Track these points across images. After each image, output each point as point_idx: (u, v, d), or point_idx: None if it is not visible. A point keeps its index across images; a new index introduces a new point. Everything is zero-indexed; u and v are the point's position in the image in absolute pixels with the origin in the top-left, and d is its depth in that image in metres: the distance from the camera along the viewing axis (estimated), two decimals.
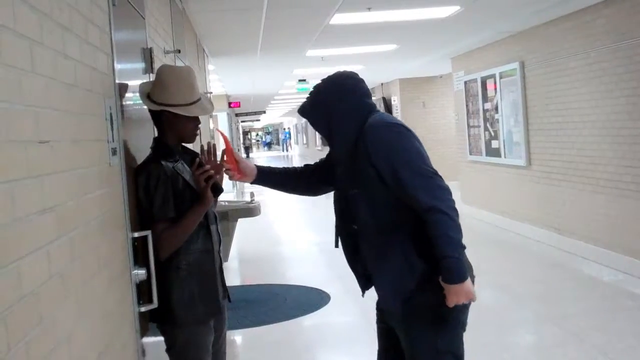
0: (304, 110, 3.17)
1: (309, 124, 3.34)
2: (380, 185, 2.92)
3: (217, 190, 3.11)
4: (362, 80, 3.17)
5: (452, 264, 2.79)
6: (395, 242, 2.93)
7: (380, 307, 3.20)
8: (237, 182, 3.34)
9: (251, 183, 3.36)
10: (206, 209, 3.10)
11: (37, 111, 1.88)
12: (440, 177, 2.91)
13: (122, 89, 3.05)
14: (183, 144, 3.30)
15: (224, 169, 3.27)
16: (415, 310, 2.92)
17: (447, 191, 2.86)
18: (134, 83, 3.46)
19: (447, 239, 2.80)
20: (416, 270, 2.91)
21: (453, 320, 2.97)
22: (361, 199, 3.00)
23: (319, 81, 3.18)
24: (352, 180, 3.01)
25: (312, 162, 3.46)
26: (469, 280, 2.85)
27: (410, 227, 2.92)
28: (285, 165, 3.53)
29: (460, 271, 2.81)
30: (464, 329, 3.03)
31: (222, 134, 3.41)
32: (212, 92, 10.65)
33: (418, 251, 2.91)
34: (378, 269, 3.05)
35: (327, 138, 3.14)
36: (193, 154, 3.34)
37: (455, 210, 2.85)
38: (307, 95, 3.20)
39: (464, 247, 2.85)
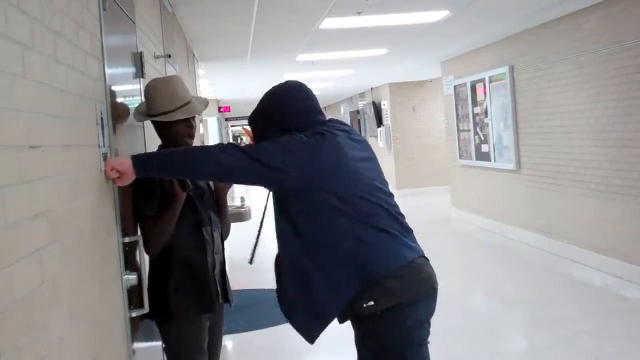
0: (250, 120, 3.13)
1: None
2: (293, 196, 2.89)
3: (184, 186, 3.20)
4: (306, 97, 3.05)
5: (152, 159, 2.95)
6: (309, 264, 2.90)
7: None
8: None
9: None
10: (179, 204, 3.19)
11: (29, 116, 1.87)
12: (262, 163, 2.80)
13: (114, 94, 3.06)
14: None
15: None
16: (364, 329, 2.85)
17: (235, 158, 2.80)
18: (125, 88, 3.47)
19: (184, 158, 2.90)
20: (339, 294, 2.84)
21: (404, 341, 2.83)
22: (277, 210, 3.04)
23: (269, 89, 3.10)
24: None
25: None
26: (131, 169, 2.80)
27: (330, 248, 2.84)
28: None
29: (144, 162, 2.87)
30: (421, 346, 2.85)
31: (247, 132, 3.43)
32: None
33: (342, 272, 2.83)
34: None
35: None
36: None
37: (210, 154, 2.87)
38: (257, 104, 3.12)
39: (169, 171, 2.93)
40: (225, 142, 20.43)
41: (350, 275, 2.80)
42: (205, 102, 3.50)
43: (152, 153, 2.99)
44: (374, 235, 2.83)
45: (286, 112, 2.99)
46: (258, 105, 3.08)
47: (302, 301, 2.95)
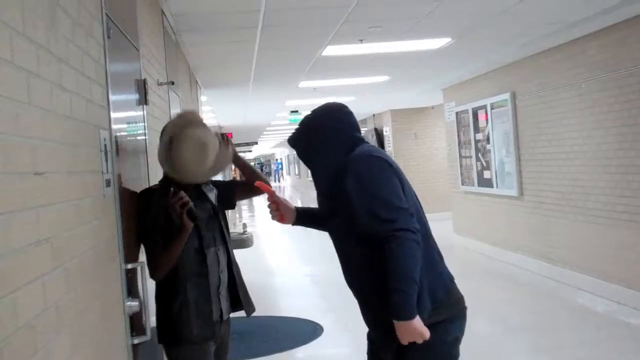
0: (293, 141, 3.22)
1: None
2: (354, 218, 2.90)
3: (193, 216, 3.19)
4: (350, 113, 3.17)
5: (399, 298, 2.73)
6: (369, 275, 2.92)
7: (371, 338, 3.19)
8: (280, 223, 3.47)
9: (292, 224, 3.42)
10: (187, 234, 3.21)
11: (34, 143, 1.88)
12: (411, 213, 2.85)
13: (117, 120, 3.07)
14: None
15: (269, 210, 3.37)
16: (407, 346, 2.87)
17: (411, 222, 2.80)
18: (129, 114, 3.48)
19: (399, 270, 2.74)
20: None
21: (443, 356, 2.95)
22: (341, 229, 3.04)
23: (308, 112, 3.20)
24: (333, 210, 3.04)
25: None
26: (417, 319, 2.75)
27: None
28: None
29: (407, 307, 2.73)
30: None
31: (262, 186, 3.46)
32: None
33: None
34: (359, 300, 3.08)
35: (311, 169, 3.17)
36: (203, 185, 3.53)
37: (416, 242, 2.78)
38: (297, 126, 3.23)
39: (416, 282, 2.74)
40: (227, 169, 20.25)
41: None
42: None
43: (401, 294, 2.73)
44: (437, 254, 3.05)
45: (343, 125, 3.10)
46: (307, 121, 3.17)
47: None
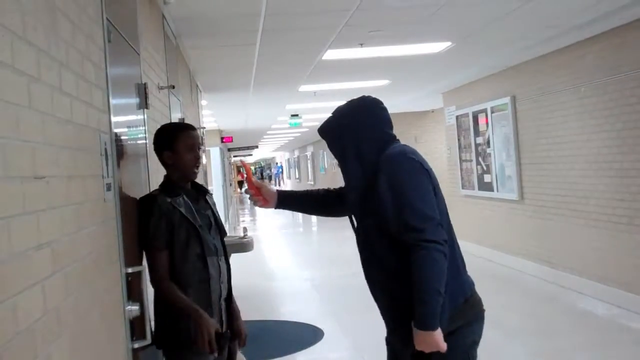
0: (324, 131, 3.17)
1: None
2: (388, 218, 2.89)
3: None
4: (385, 109, 3.15)
5: (423, 309, 2.76)
6: (399, 277, 2.89)
7: (389, 342, 3.16)
8: (261, 208, 3.50)
9: (275, 208, 3.43)
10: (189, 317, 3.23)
11: (34, 147, 1.88)
12: (440, 223, 2.85)
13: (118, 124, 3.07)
14: (190, 179, 3.49)
15: (248, 195, 3.43)
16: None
17: (439, 234, 2.80)
18: (129, 118, 3.48)
19: (425, 281, 2.75)
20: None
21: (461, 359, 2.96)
22: (373, 229, 2.99)
23: (342, 104, 3.16)
24: (366, 209, 2.99)
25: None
26: (438, 331, 2.77)
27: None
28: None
29: (430, 318, 2.76)
30: None
31: (244, 164, 3.51)
32: (205, 127, 10.69)
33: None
34: (383, 301, 3.06)
35: (341, 162, 3.11)
36: (204, 190, 3.57)
37: (443, 253, 2.78)
38: (329, 116, 3.18)
39: (440, 294, 2.76)
40: (227, 173, 20.17)
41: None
42: None
43: (426, 305, 2.76)
44: (461, 261, 3.04)
45: (376, 119, 3.10)
46: (338, 117, 3.13)
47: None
